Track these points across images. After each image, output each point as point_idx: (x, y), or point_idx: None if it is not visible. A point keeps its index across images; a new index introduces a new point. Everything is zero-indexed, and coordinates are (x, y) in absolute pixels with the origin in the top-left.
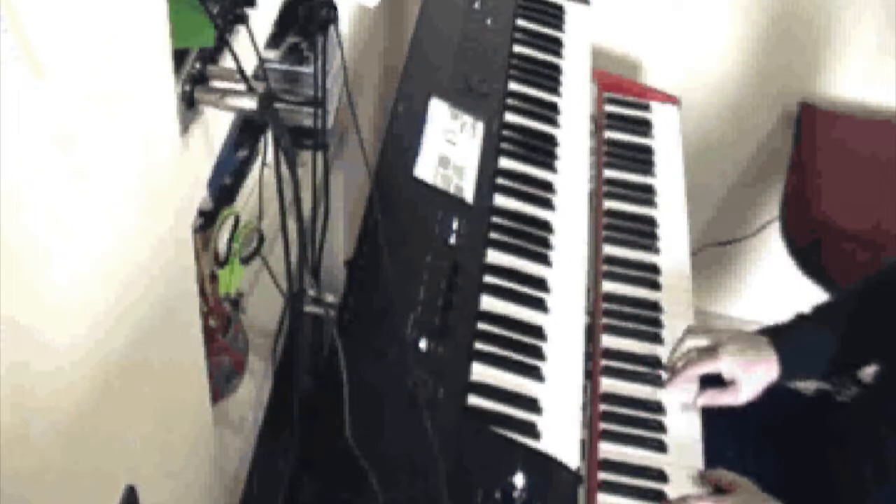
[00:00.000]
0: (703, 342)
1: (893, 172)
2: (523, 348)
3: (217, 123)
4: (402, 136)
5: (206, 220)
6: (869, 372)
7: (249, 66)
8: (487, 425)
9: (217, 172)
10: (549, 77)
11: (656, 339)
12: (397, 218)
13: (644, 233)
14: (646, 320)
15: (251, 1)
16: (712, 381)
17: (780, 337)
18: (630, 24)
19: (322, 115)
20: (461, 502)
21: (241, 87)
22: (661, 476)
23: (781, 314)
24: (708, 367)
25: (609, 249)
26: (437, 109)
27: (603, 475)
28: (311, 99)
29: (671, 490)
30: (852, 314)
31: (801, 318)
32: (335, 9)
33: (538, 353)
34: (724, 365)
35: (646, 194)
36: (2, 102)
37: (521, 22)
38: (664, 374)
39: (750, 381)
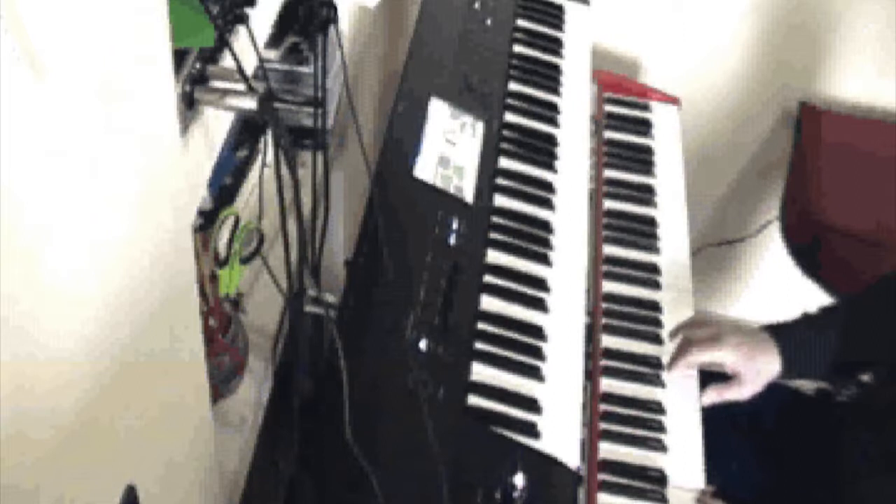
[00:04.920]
0: (704, 332)
1: (893, 172)
2: (523, 348)
3: (217, 123)
4: (402, 136)
5: (206, 220)
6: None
7: (249, 66)
8: (487, 425)
9: (217, 172)
10: (549, 77)
11: (656, 339)
12: (397, 218)
13: (644, 233)
14: (646, 320)
15: (251, 1)
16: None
17: (781, 332)
18: (630, 24)
19: (322, 115)
20: (461, 502)
21: (241, 87)
22: (661, 476)
23: (781, 314)
24: (710, 355)
25: (609, 249)
26: (437, 109)
27: (603, 475)
28: (311, 99)
29: (671, 490)
30: (857, 315)
31: (805, 317)
32: (335, 9)
33: (538, 353)
34: (725, 354)
35: (646, 194)
36: (2, 102)
37: (521, 22)
38: (664, 374)
39: (752, 374)
